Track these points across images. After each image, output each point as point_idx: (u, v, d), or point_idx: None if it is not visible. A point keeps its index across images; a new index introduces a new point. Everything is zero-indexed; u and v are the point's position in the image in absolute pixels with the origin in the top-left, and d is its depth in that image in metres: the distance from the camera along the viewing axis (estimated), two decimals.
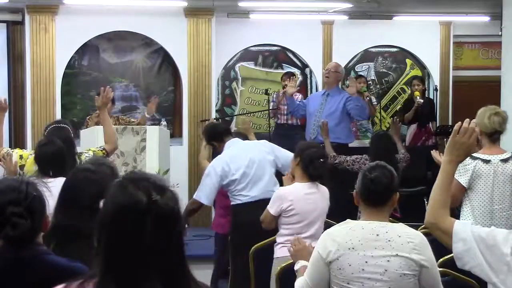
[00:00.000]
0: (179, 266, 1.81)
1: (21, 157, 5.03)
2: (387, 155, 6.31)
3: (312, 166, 4.76)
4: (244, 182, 5.48)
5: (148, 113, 7.86)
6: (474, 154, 4.82)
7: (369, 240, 3.16)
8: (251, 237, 5.06)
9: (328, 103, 7.62)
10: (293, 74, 9.58)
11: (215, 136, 5.76)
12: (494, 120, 4.76)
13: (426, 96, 10.16)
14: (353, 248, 3.15)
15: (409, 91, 10.12)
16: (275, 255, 4.80)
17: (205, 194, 5.49)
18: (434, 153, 5.22)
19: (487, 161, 4.78)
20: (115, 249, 1.77)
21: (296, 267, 3.65)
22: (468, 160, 4.81)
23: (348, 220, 3.24)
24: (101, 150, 5.17)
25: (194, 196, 5.58)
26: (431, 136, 9.67)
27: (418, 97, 9.47)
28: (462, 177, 4.76)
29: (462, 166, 4.62)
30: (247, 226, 5.25)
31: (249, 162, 5.52)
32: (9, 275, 2.42)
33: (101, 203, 1.86)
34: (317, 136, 7.46)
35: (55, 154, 4.48)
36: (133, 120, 7.92)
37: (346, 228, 3.23)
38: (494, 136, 4.81)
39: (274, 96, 9.66)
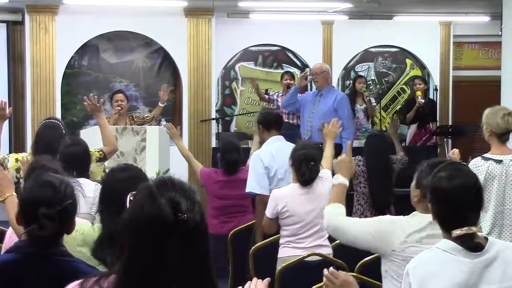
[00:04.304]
0: (201, 280, 1.76)
1: (17, 160, 4.99)
2: (381, 156, 6.28)
3: (300, 172, 4.68)
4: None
5: (161, 102, 7.81)
6: (485, 155, 4.76)
7: None
8: None
9: (320, 103, 7.59)
10: (292, 74, 9.56)
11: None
12: (509, 120, 4.70)
13: (428, 96, 10.15)
14: None
15: (409, 91, 10.07)
16: (278, 255, 4.77)
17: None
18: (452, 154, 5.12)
19: (499, 162, 4.72)
20: (135, 256, 1.73)
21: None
22: (480, 161, 4.73)
23: None
24: (98, 152, 5.17)
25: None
26: (431, 136, 9.66)
27: (420, 97, 9.46)
28: None
29: (475, 168, 4.58)
30: None
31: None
32: (26, 269, 2.45)
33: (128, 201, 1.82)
34: (311, 136, 7.42)
35: (81, 154, 4.50)
36: (146, 115, 7.87)
37: None
38: (504, 136, 4.76)
39: (276, 95, 9.47)
